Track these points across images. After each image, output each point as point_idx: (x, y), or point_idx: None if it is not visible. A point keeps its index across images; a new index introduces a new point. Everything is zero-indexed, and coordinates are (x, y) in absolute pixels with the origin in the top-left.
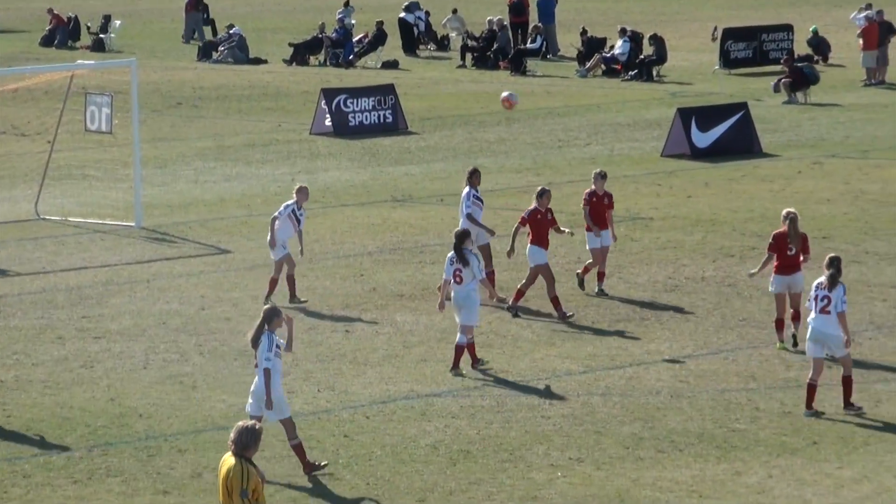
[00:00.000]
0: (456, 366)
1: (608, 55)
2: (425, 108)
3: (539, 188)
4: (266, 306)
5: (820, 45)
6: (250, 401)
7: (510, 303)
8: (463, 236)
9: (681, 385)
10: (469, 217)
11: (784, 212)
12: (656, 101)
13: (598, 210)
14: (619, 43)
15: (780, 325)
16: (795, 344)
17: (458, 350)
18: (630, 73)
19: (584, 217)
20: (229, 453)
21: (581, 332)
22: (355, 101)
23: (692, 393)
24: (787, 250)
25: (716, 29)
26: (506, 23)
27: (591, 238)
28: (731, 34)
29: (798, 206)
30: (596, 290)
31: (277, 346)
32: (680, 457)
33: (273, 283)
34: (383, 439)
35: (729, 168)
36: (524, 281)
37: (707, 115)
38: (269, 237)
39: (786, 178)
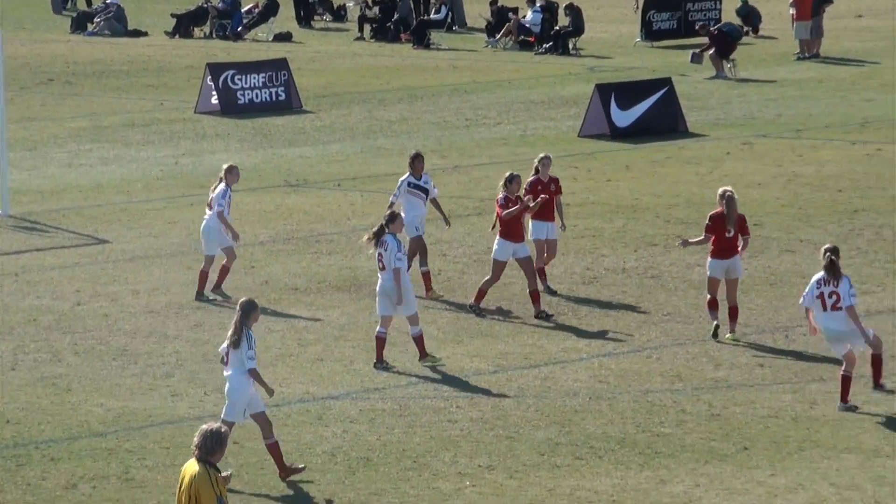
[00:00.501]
0: (423, 356)
1: (524, 22)
2: (321, 84)
3: (507, 174)
4: (242, 299)
5: (750, 15)
6: (226, 405)
7: (472, 302)
8: (392, 218)
9: (600, 386)
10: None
11: (720, 190)
12: (573, 77)
13: (546, 201)
14: (530, 13)
15: (713, 304)
16: (716, 335)
17: (417, 340)
18: (544, 45)
19: (528, 206)
20: (192, 460)
21: (492, 328)
22: (244, 77)
23: (613, 394)
24: (726, 232)
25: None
26: None
27: (536, 228)
28: (653, 4)
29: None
30: (542, 287)
31: (254, 343)
32: (599, 464)
33: (204, 276)
34: None
35: (652, 149)
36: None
37: (628, 92)
38: (230, 234)
39: (713, 161)
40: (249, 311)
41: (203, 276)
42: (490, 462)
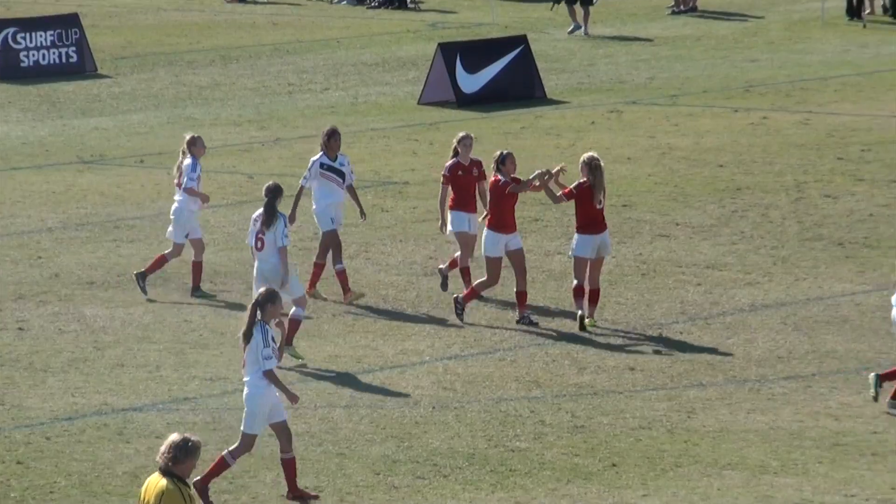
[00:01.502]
0: (289, 342)
1: None
2: (119, 44)
3: (498, 152)
4: (261, 289)
5: None
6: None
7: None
8: (276, 192)
9: (445, 393)
10: (301, 191)
11: (585, 157)
12: (412, 35)
13: (467, 185)
14: None
15: (580, 291)
16: (583, 327)
17: (293, 323)
18: None
19: (440, 198)
20: (155, 474)
21: (319, 327)
22: (28, 35)
23: (460, 403)
24: (596, 203)
25: None
26: None
27: (457, 219)
28: None
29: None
30: (443, 284)
31: (273, 340)
32: (445, 484)
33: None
34: (69, 466)
35: (504, 119)
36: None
37: (476, 53)
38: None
39: (576, 131)
40: (266, 303)
41: (160, 262)
42: (318, 483)
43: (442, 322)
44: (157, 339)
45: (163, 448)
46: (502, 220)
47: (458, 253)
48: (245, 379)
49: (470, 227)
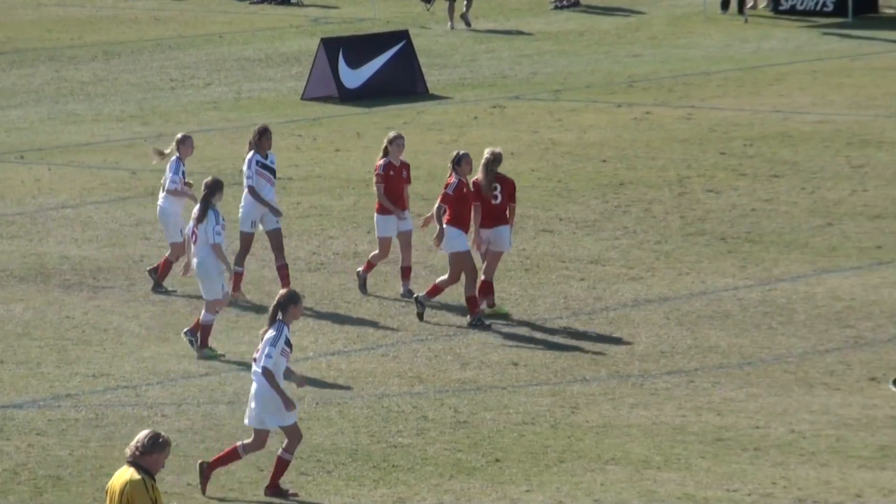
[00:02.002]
0: (204, 345)
1: None
2: None
3: (455, 153)
4: (283, 290)
5: None
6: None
7: (422, 297)
8: (214, 187)
9: (329, 390)
10: (251, 191)
11: (488, 152)
12: (295, 30)
13: (396, 186)
14: None
15: (486, 287)
16: (479, 323)
17: (202, 328)
18: None
19: (378, 197)
20: (123, 467)
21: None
22: None
23: (343, 399)
24: (492, 198)
25: None
26: None
27: (382, 224)
28: None
29: (475, 160)
30: (402, 291)
31: (287, 344)
32: (328, 480)
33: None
34: None
35: (387, 114)
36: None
37: (359, 48)
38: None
39: (458, 126)
40: (287, 304)
41: (166, 265)
42: (199, 480)
43: (325, 318)
44: (37, 336)
45: (133, 442)
46: (461, 218)
47: (375, 253)
48: (253, 376)
49: (399, 229)
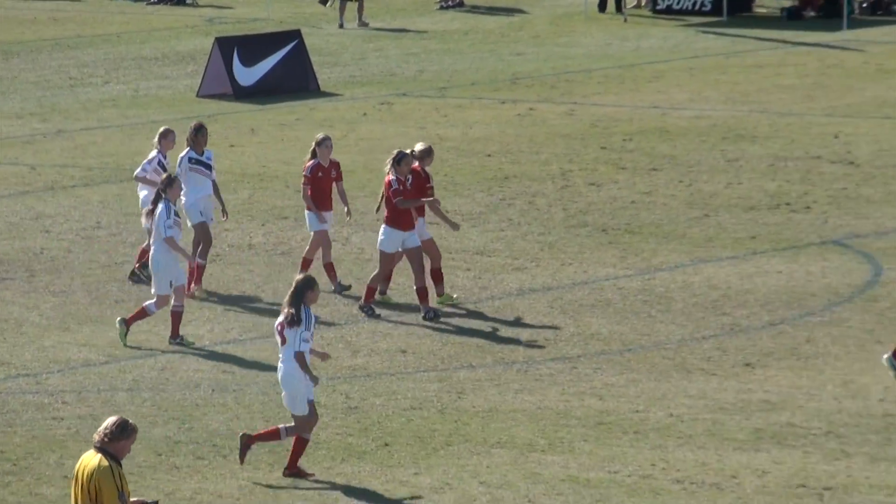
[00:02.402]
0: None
1: None
2: None
3: (395, 152)
4: (299, 276)
5: None
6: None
7: (363, 301)
8: (167, 183)
9: (225, 377)
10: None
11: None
12: (190, 30)
13: (324, 187)
14: None
15: (437, 275)
16: (432, 316)
17: (141, 314)
18: None
19: (303, 197)
20: (90, 452)
21: (102, 314)
22: None
23: (239, 386)
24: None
25: None
26: None
27: (313, 219)
28: None
29: (365, 155)
30: (334, 287)
31: (314, 326)
32: (224, 464)
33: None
34: None
35: (280, 111)
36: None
37: (252, 47)
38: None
39: (348, 123)
40: (305, 290)
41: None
42: None
43: (221, 308)
44: None
45: (101, 428)
46: (399, 219)
47: (307, 249)
48: (280, 363)
49: (327, 224)
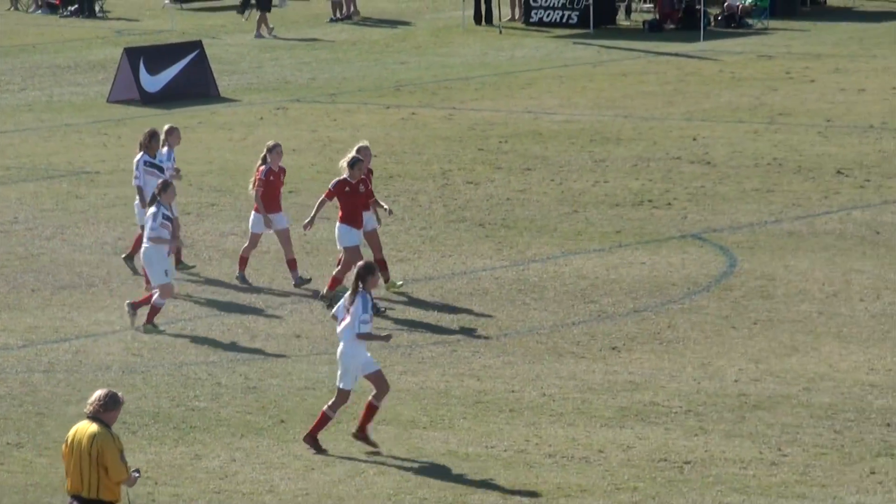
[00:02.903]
0: (149, 321)
1: None
2: None
3: (351, 155)
4: (360, 263)
5: None
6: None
7: (324, 291)
8: (161, 186)
9: (133, 359)
10: (139, 190)
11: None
12: (100, 41)
13: (275, 190)
14: None
15: (383, 265)
16: (378, 311)
17: (152, 307)
18: (70, 8)
19: (255, 199)
20: (84, 422)
21: (20, 301)
22: None
23: (146, 367)
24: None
25: None
26: None
27: (256, 221)
28: None
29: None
30: (294, 281)
31: (372, 309)
32: (133, 440)
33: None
34: None
35: (184, 115)
36: (339, 267)
37: (157, 56)
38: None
39: (247, 126)
40: (366, 275)
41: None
42: (19, 440)
43: (130, 294)
44: None
45: (92, 399)
46: (352, 216)
47: (245, 245)
48: (340, 340)
49: (275, 227)
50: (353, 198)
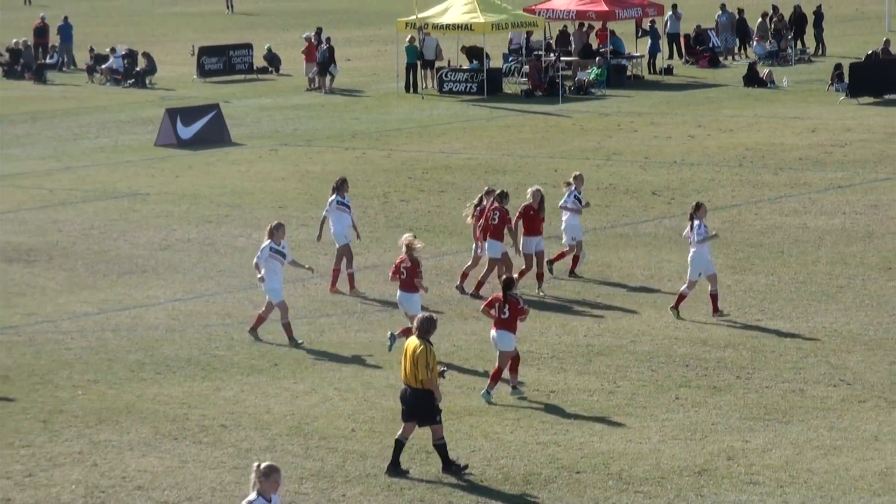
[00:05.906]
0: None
1: (112, 65)
2: None
3: (498, 190)
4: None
5: (273, 59)
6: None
7: (470, 289)
8: (276, 228)
9: (173, 322)
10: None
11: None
12: (149, 103)
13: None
14: (112, 59)
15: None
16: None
17: (285, 328)
18: (129, 81)
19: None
20: (413, 337)
21: (96, 282)
22: None
23: (182, 328)
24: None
25: (193, 47)
26: (30, 42)
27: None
28: (205, 51)
29: (259, 183)
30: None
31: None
32: (173, 378)
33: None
34: None
35: (206, 154)
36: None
37: (189, 114)
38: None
39: (249, 162)
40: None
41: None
42: (95, 377)
43: (171, 278)
44: None
45: (416, 324)
46: (498, 234)
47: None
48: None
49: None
50: (530, 219)
